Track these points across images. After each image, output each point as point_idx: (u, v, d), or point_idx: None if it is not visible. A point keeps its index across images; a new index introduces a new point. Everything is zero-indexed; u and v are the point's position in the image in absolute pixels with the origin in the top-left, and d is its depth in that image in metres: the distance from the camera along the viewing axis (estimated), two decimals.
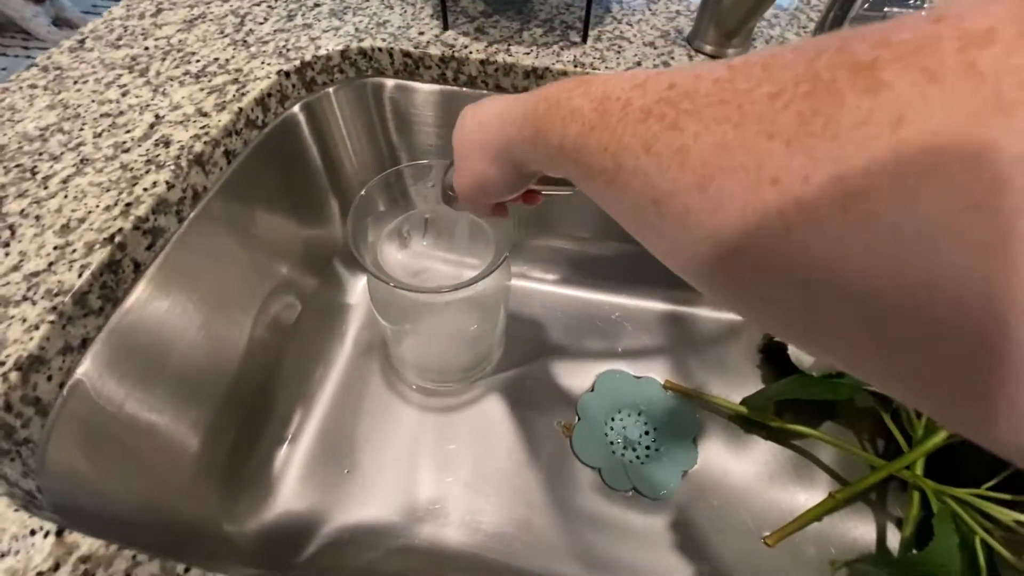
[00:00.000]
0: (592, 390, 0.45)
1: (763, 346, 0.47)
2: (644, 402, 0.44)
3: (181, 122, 0.32)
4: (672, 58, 0.37)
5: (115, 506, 0.26)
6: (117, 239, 0.26)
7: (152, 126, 0.32)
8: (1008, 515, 0.31)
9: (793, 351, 0.40)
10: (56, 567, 0.17)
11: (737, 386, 0.45)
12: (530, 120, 0.18)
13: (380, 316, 0.38)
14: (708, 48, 0.37)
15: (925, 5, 0.32)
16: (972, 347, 0.08)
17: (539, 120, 0.17)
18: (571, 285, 0.50)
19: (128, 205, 0.28)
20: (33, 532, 0.18)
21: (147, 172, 0.29)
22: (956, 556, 0.29)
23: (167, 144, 0.31)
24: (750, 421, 0.42)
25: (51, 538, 0.18)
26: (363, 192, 0.32)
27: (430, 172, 0.37)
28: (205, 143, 0.31)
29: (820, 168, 0.09)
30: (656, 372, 0.46)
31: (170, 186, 0.29)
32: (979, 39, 0.08)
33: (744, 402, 0.42)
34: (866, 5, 0.33)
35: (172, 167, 0.30)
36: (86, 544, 0.18)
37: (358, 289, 0.48)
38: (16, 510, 0.19)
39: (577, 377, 0.45)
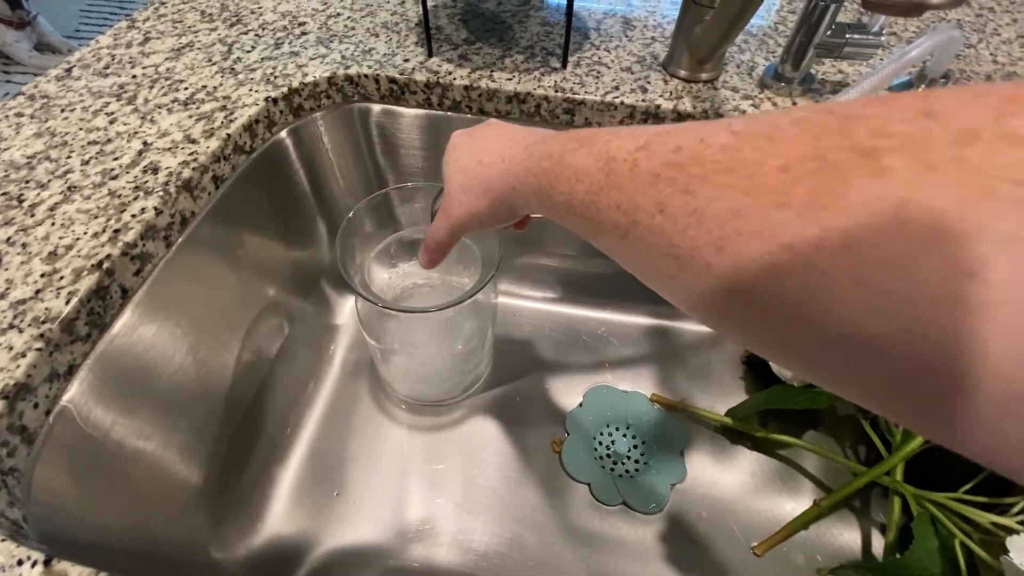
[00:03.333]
0: (580, 405, 0.45)
1: (746, 357, 0.48)
2: (632, 416, 0.45)
3: (169, 149, 0.33)
4: (648, 82, 0.39)
5: (102, 533, 0.26)
6: (105, 265, 0.27)
7: (140, 153, 0.32)
8: (985, 517, 0.32)
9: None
10: None
11: (722, 397, 0.46)
12: (534, 175, 0.19)
13: (368, 336, 0.39)
14: (682, 73, 0.39)
15: (883, 37, 0.34)
16: (946, 383, 0.09)
17: (544, 177, 0.18)
18: (558, 302, 0.51)
19: (116, 231, 0.28)
20: (20, 562, 0.18)
21: (135, 199, 0.30)
22: (936, 559, 0.30)
23: (155, 171, 0.31)
24: (736, 432, 0.43)
25: (39, 567, 0.18)
26: (351, 215, 0.33)
27: (417, 194, 0.38)
28: (193, 169, 0.31)
29: (832, 237, 0.10)
30: (643, 386, 0.47)
31: (158, 212, 0.29)
32: (966, 137, 0.09)
33: (729, 413, 0.43)
34: (828, 32, 0.35)
35: (160, 193, 0.30)
36: (75, 572, 0.18)
37: (346, 310, 0.49)
38: (3, 540, 0.18)
39: (566, 393, 0.46)
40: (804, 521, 0.38)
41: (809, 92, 0.38)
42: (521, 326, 0.50)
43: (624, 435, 0.44)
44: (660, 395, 0.46)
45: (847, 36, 0.34)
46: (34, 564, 0.18)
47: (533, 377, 0.46)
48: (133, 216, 0.29)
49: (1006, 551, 0.28)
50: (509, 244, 0.50)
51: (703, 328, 0.49)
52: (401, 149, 0.43)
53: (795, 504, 0.40)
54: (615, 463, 0.42)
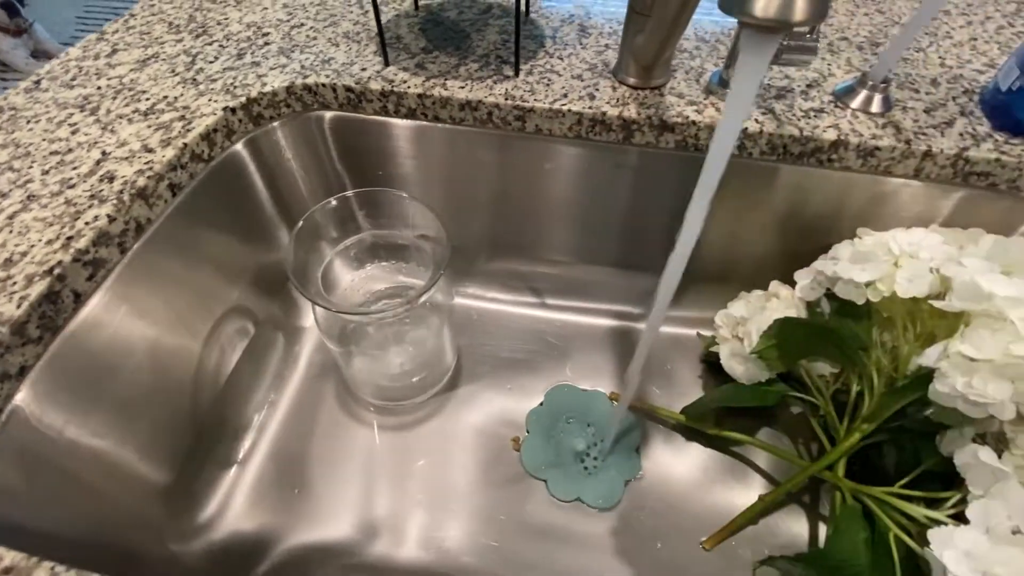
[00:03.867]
0: (541, 404, 0.46)
1: (703, 357, 0.49)
2: (591, 414, 0.46)
3: (127, 158, 0.34)
4: (597, 90, 0.40)
5: (56, 525, 0.27)
6: (56, 271, 0.28)
7: (98, 162, 0.34)
8: (919, 511, 0.33)
9: (726, 361, 0.42)
10: None
11: (680, 396, 0.47)
12: None
13: (327, 340, 0.40)
14: (631, 80, 0.40)
15: (819, 40, 0.34)
16: None
17: None
18: (524, 305, 0.52)
19: (69, 239, 0.29)
20: None
21: (90, 207, 0.31)
22: (862, 551, 0.30)
23: (111, 179, 0.32)
24: (690, 429, 0.44)
25: None
26: (301, 223, 0.34)
27: (377, 198, 0.39)
28: (148, 177, 0.33)
29: None
30: (603, 385, 0.48)
31: (112, 219, 0.31)
32: None
33: (683, 411, 0.44)
34: None
35: (115, 201, 0.31)
36: (9, 556, 0.19)
37: (312, 312, 0.50)
38: None
39: (527, 392, 0.47)
40: (749, 515, 0.38)
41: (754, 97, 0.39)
42: (487, 328, 0.51)
43: (583, 432, 0.45)
44: (619, 393, 0.47)
45: (784, 43, 0.35)
46: None
47: (496, 377, 0.48)
48: (86, 224, 0.30)
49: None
50: (478, 249, 0.51)
51: (664, 329, 0.50)
52: (360, 155, 0.44)
53: (746, 500, 0.40)
54: (574, 460, 0.43)
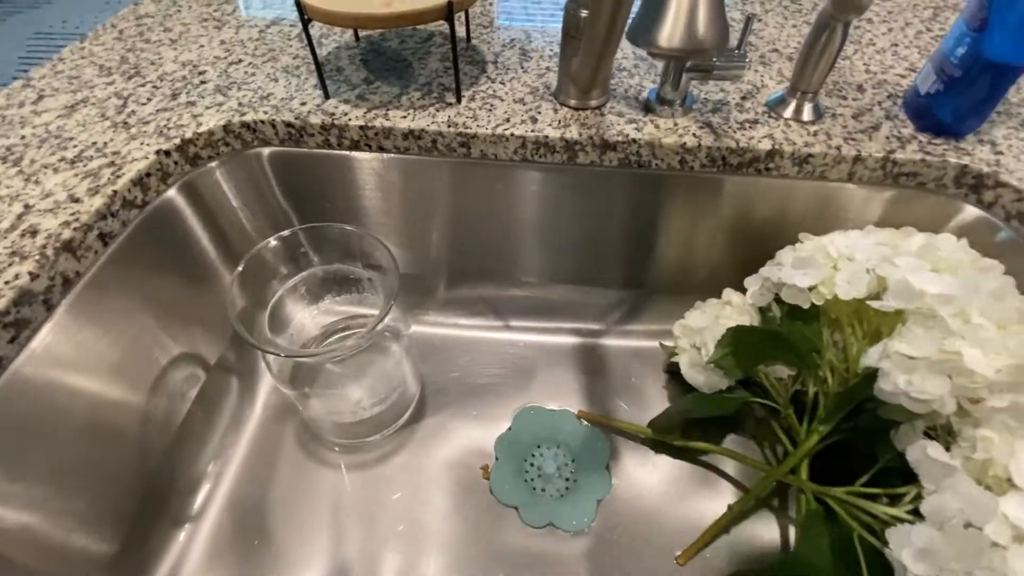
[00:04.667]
0: (510, 428, 0.46)
1: (667, 367, 0.49)
2: (560, 435, 0.45)
3: (51, 210, 0.32)
4: (539, 113, 0.40)
5: None
6: None
7: (20, 216, 0.32)
8: (879, 509, 0.33)
9: (687, 371, 0.43)
10: None
11: (646, 408, 0.47)
12: None
13: (280, 385, 0.39)
14: (572, 102, 0.40)
15: (746, 58, 0.36)
16: None
17: None
18: (485, 328, 0.51)
19: None
20: None
21: (10, 264, 0.29)
22: (826, 555, 0.31)
23: (34, 234, 0.31)
24: (658, 442, 0.44)
25: None
26: (241, 267, 0.33)
27: (326, 233, 0.38)
28: (75, 229, 0.31)
29: None
30: (571, 403, 0.47)
31: (34, 276, 0.29)
32: None
33: (649, 425, 0.43)
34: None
35: (37, 257, 0.30)
36: None
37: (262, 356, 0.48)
38: None
39: (495, 417, 0.46)
40: (720, 526, 0.38)
41: (691, 112, 0.40)
42: (450, 354, 0.50)
43: (554, 454, 0.44)
44: (586, 411, 0.46)
45: (714, 59, 0.36)
46: None
47: (462, 404, 0.47)
48: (6, 283, 0.28)
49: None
50: (436, 275, 0.51)
51: (627, 342, 0.50)
52: (305, 190, 0.43)
53: (717, 509, 0.40)
54: (545, 484, 0.43)
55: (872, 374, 0.33)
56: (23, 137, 0.38)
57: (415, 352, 0.49)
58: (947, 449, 0.31)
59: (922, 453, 0.30)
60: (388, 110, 0.40)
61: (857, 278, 0.32)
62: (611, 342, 0.50)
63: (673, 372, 0.49)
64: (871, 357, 0.31)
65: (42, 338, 0.30)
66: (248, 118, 0.40)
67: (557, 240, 0.47)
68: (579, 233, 0.46)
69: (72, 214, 0.32)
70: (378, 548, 0.39)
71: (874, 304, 0.31)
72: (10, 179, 0.34)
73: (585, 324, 0.51)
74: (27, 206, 0.33)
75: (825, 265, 0.34)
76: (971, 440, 0.29)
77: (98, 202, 0.33)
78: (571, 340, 0.51)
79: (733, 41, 0.35)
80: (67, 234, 0.31)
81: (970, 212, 0.38)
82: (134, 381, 0.37)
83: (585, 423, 0.46)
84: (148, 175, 0.36)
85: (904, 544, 0.28)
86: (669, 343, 0.48)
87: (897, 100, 0.42)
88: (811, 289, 0.34)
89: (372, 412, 0.42)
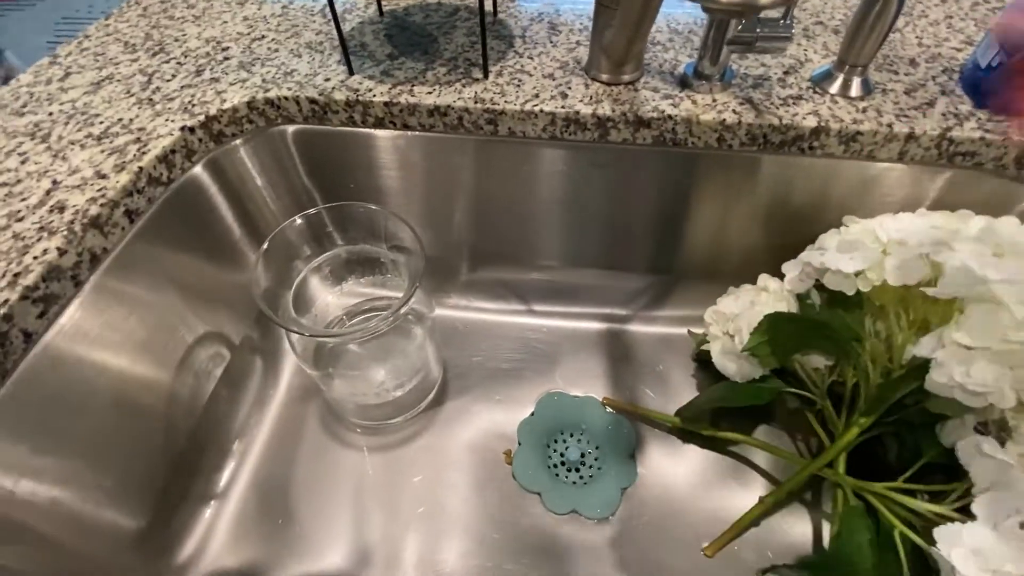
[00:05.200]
0: (532, 414, 0.45)
1: (696, 355, 0.48)
2: (585, 421, 0.45)
3: (78, 186, 0.32)
4: (569, 88, 0.38)
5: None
6: (2, 311, 0.26)
7: (48, 192, 0.32)
8: (923, 506, 0.32)
9: (718, 359, 0.41)
10: None
11: (674, 396, 0.45)
12: None
13: (304, 365, 0.38)
14: (604, 76, 0.39)
15: (792, 29, 0.33)
16: None
17: None
18: (508, 313, 0.50)
19: (16, 276, 0.28)
20: None
21: (39, 239, 0.29)
22: (867, 552, 0.29)
23: (62, 209, 0.31)
24: (686, 432, 0.43)
25: None
26: (266, 244, 0.33)
27: (349, 211, 0.37)
28: (101, 205, 0.31)
29: None
30: (595, 390, 0.46)
31: (62, 252, 0.29)
32: None
33: (678, 414, 0.42)
34: (739, 27, 0.35)
35: (65, 232, 0.30)
36: None
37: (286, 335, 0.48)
38: None
39: (518, 402, 0.45)
40: (750, 519, 0.37)
41: (730, 87, 0.38)
42: (472, 339, 0.49)
43: (578, 441, 0.44)
44: (612, 398, 0.45)
45: (757, 30, 0.34)
46: None
47: (485, 389, 0.46)
48: (35, 258, 0.28)
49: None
50: (459, 258, 0.50)
51: (654, 329, 0.49)
52: (329, 168, 0.42)
53: (746, 502, 0.39)
54: (569, 471, 0.42)
55: (920, 365, 0.31)
56: (50, 114, 0.38)
57: (438, 336, 0.48)
58: (1001, 445, 0.29)
59: (975, 449, 0.29)
60: (413, 86, 0.39)
61: (909, 264, 0.30)
62: (637, 328, 0.49)
63: (702, 360, 0.48)
64: (924, 347, 0.29)
65: (70, 314, 0.30)
66: (272, 94, 0.39)
67: (583, 222, 0.46)
68: (607, 215, 0.45)
69: (99, 190, 0.32)
70: (400, 530, 0.39)
71: (929, 291, 0.29)
72: (38, 155, 0.34)
73: (611, 309, 0.50)
74: (55, 182, 0.33)
75: (874, 249, 0.32)
76: None
77: (124, 179, 0.33)
78: (596, 325, 0.50)
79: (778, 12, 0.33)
80: (94, 210, 0.31)
81: None
82: (160, 359, 0.37)
83: (610, 410, 0.45)
84: (173, 152, 0.36)
85: (955, 544, 0.26)
86: (698, 330, 0.46)
87: (953, 75, 0.39)
88: (857, 275, 0.33)
89: (395, 394, 0.42)
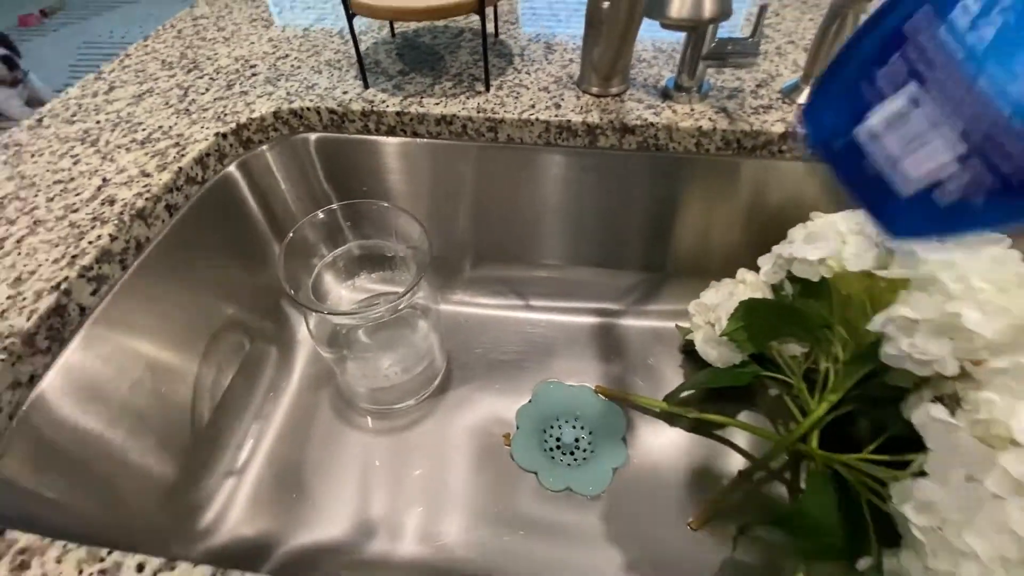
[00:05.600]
0: (530, 401, 0.48)
1: (683, 347, 0.51)
2: (579, 408, 0.48)
3: (126, 183, 0.36)
4: (562, 99, 0.43)
5: (64, 520, 0.28)
6: (63, 286, 0.30)
7: (99, 188, 0.36)
8: (887, 474, 0.35)
9: (700, 347, 0.44)
10: None
11: (662, 386, 0.48)
12: None
13: (319, 347, 0.42)
14: (594, 89, 0.43)
15: (759, 46, 0.38)
16: None
17: None
18: (508, 308, 0.54)
19: (74, 257, 0.31)
20: None
21: (93, 227, 0.33)
22: (831, 510, 0.32)
23: (112, 203, 0.35)
24: (673, 416, 0.46)
25: None
26: (291, 234, 0.37)
27: (361, 209, 0.41)
28: (147, 199, 0.35)
29: None
30: (588, 380, 0.49)
31: (113, 238, 0.33)
32: None
33: (665, 399, 0.45)
34: (713, 44, 0.39)
35: (116, 222, 0.34)
36: (24, 539, 0.21)
37: (304, 328, 0.52)
38: None
39: (516, 391, 0.49)
40: (731, 491, 0.40)
41: (707, 98, 0.42)
42: (475, 332, 0.53)
43: (572, 426, 0.47)
44: (604, 387, 0.49)
45: (728, 47, 0.38)
46: None
47: (486, 378, 0.49)
48: (90, 243, 0.32)
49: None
50: (462, 257, 0.54)
51: (645, 323, 0.52)
52: (345, 173, 0.47)
53: (729, 479, 0.42)
54: (563, 453, 0.45)
55: (879, 341, 0.34)
56: (98, 122, 0.42)
57: (442, 328, 0.52)
58: (952, 415, 0.32)
59: (926, 416, 0.32)
60: (422, 98, 0.43)
61: (865, 251, 0.34)
62: (629, 323, 0.52)
63: (689, 352, 0.51)
64: (876, 323, 0.32)
65: (116, 295, 0.34)
66: (295, 105, 0.43)
67: (578, 223, 0.50)
68: (599, 216, 0.49)
69: (144, 186, 0.36)
70: (404, 504, 0.42)
71: (881, 273, 0.32)
72: (89, 157, 0.39)
73: (604, 305, 0.53)
74: (105, 179, 0.37)
75: (835, 239, 0.36)
76: (975, 403, 0.31)
77: (166, 177, 0.37)
78: (590, 320, 0.53)
79: (747, 32, 0.37)
80: (140, 203, 0.35)
81: None
82: (188, 345, 0.40)
83: (602, 397, 0.48)
84: (207, 155, 0.40)
85: (906, 498, 0.29)
86: (685, 324, 0.50)
87: None
88: (821, 262, 0.36)
89: (402, 379, 0.45)
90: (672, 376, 0.50)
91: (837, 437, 0.40)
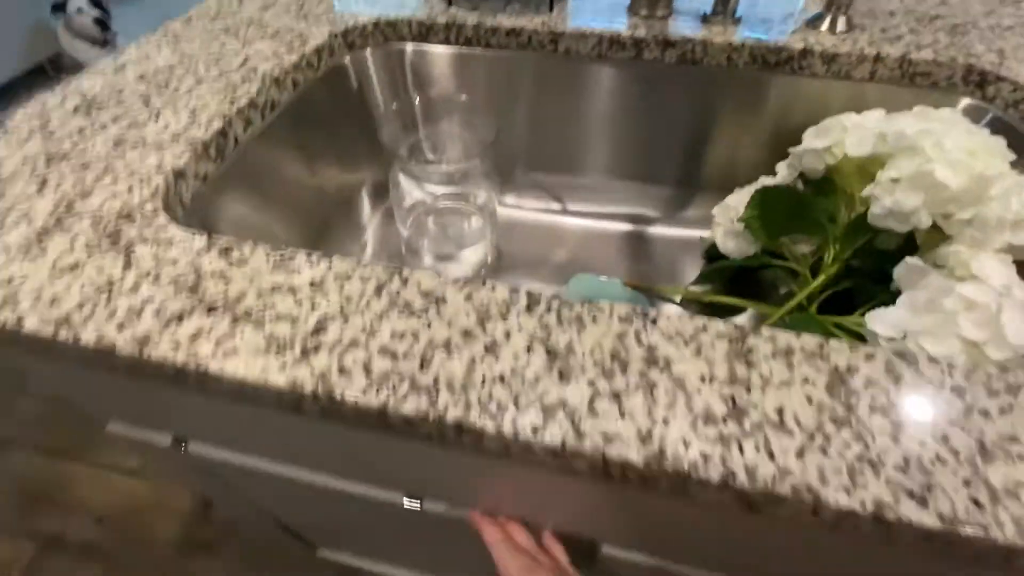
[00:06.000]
0: (565, 286, 0.56)
1: (705, 253, 0.58)
2: (608, 295, 0.55)
3: (264, 59, 0.46)
4: (614, 20, 0.51)
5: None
6: (227, 116, 0.40)
7: (244, 62, 0.46)
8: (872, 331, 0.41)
9: (720, 241, 0.51)
10: (208, 248, 0.29)
11: (685, 283, 0.55)
12: None
13: (396, 213, 0.51)
14: (643, 12, 0.51)
15: None
16: None
17: None
18: (551, 213, 0.62)
19: (232, 101, 0.41)
20: (195, 235, 0.30)
21: (243, 83, 0.43)
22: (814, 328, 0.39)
23: (255, 71, 0.45)
24: (693, 302, 0.53)
25: (203, 238, 0.30)
26: (393, 105, 0.45)
27: (440, 107, 0.50)
28: (281, 71, 0.45)
29: None
30: (619, 276, 0.57)
31: (259, 92, 0.42)
32: None
33: (686, 287, 0.52)
34: None
35: (259, 83, 0.43)
36: (224, 239, 0.30)
37: (375, 216, 0.61)
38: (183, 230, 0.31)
39: (554, 279, 0.56)
40: None
41: (739, 23, 0.50)
42: (519, 231, 0.61)
43: None
44: (634, 281, 0.56)
45: None
46: (202, 236, 0.30)
47: (528, 269, 0.57)
48: (244, 93, 0.42)
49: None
50: (514, 163, 0.62)
51: (672, 231, 0.59)
52: (425, 79, 0.56)
53: None
54: None
55: (868, 213, 0.40)
56: (235, 22, 0.52)
57: (495, 223, 0.60)
58: None
59: (904, 267, 0.38)
60: (496, 15, 0.52)
61: (864, 138, 0.40)
62: (659, 231, 0.60)
63: (711, 258, 0.58)
64: (866, 190, 0.39)
65: (256, 135, 0.43)
66: (392, 17, 0.52)
67: (619, 136, 0.57)
68: (639, 129, 0.56)
69: (277, 63, 0.46)
70: None
71: (877, 150, 0.39)
72: (232, 42, 0.49)
73: (638, 212, 0.61)
74: (247, 57, 0.47)
75: (839, 132, 0.42)
76: (944, 256, 0.37)
77: (294, 57, 0.46)
78: (624, 226, 0.60)
79: None
80: (276, 72, 0.44)
81: (969, 102, 0.45)
82: (305, 172, 0.50)
83: (630, 289, 0.55)
84: (322, 49, 0.49)
85: (878, 321, 0.36)
86: (708, 235, 0.57)
87: (921, 23, 0.49)
88: (826, 150, 0.43)
89: (459, 252, 0.54)
90: (694, 276, 0.56)
91: (834, 310, 0.46)
